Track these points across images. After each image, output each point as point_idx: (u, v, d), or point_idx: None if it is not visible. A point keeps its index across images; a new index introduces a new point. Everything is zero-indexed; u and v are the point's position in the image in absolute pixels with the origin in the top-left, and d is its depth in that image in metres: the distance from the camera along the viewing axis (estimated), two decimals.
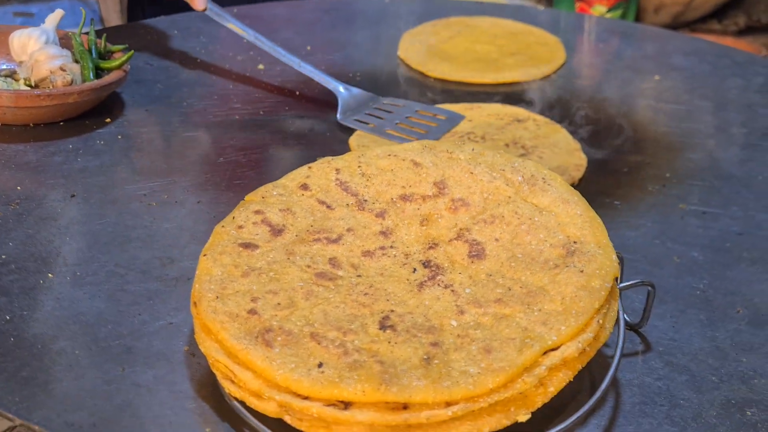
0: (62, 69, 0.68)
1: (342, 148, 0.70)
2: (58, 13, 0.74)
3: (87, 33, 0.74)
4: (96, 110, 0.71)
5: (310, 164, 0.50)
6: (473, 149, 0.50)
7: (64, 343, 0.41)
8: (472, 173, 0.48)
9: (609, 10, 1.11)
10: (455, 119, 0.73)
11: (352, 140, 0.72)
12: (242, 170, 0.64)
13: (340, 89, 0.76)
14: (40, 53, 0.70)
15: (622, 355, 0.39)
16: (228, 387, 0.37)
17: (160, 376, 0.40)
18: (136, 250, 0.52)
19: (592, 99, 0.83)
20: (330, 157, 0.51)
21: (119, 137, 0.68)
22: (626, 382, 0.41)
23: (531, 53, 0.94)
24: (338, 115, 0.74)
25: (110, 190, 0.59)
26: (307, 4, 1.10)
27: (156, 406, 0.37)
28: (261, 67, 0.87)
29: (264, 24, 1.01)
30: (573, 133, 0.74)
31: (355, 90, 0.76)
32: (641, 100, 0.84)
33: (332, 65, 0.89)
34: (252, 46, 0.92)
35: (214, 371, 0.37)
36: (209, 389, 0.39)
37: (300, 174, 0.49)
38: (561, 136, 0.74)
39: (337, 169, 0.49)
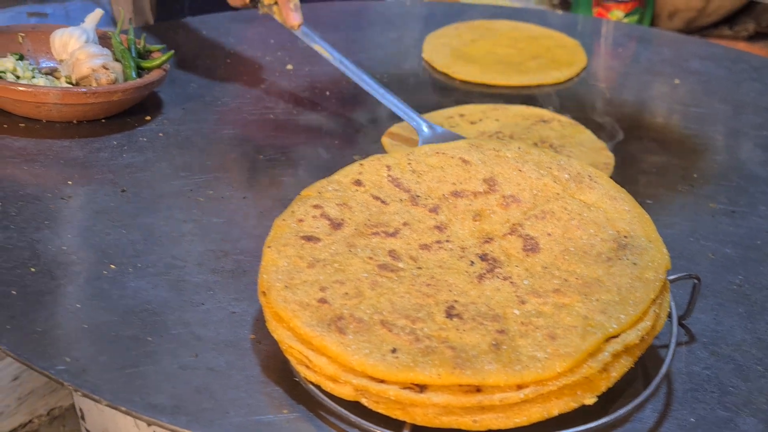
0: (105, 67, 0.70)
1: (375, 148, 0.71)
2: (98, 12, 0.75)
3: (126, 32, 0.76)
4: (136, 108, 0.72)
5: (361, 161, 0.52)
6: (519, 147, 0.52)
7: (135, 330, 0.43)
8: (520, 171, 0.49)
9: (626, 15, 1.13)
10: None
11: (385, 140, 0.73)
12: (282, 168, 0.66)
13: (423, 128, 0.70)
14: (80, 52, 0.71)
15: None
16: (303, 372, 0.38)
17: (231, 362, 0.41)
18: (189, 243, 0.53)
19: (613, 101, 0.86)
20: (379, 155, 0.52)
21: (160, 134, 0.69)
22: (676, 371, 0.43)
23: (552, 56, 0.96)
24: None
25: (157, 186, 0.61)
26: (330, 6, 1.12)
27: (232, 390, 0.39)
28: (290, 67, 0.88)
29: None
30: (597, 134, 0.76)
31: (439, 129, 0.70)
32: (662, 102, 0.86)
33: (358, 66, 0.90)
34: (280, 46, 0.94)
35: (288, 357, 0.39)
36: (280, 374, 0.40)
37: (352, 170, 0.51)
38: (586, 136, 0.76)
39: (387, 166, 0.51)
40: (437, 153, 0.52)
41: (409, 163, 0.51)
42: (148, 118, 0.72)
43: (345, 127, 0.75)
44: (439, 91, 0.87)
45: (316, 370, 0.38)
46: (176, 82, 0.80)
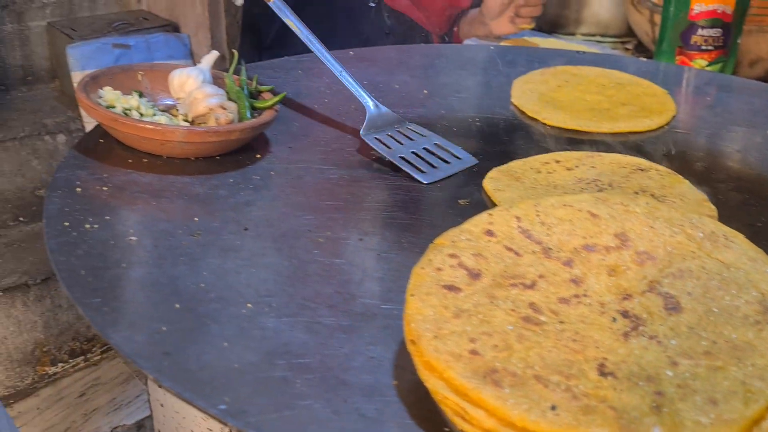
0: (222, 107, 0.73)
1: (475, 189, 0.72)
2: (213, 54, 0.79)
3: (238, 74, 0.79)
4: (245, 146, 0.75)
5: (490, 211, 0.53)
6: (647, 203, 0.52)
7: (283, 372, 0.44)
8: (652, 227, 0.50)
9: (709, 64, 1.13)
10: (467, 162, 0.77)
11: (487, 183, 0.74)
12: (392, 210, 0.68)
13: (370, 105, 0.80)
14: (198, 92, 0.75)
15: None
16: (460, 424, 0.39)
17: (381, 409, 0.42)
18: (316, 284, 0.55)
19: (708, 152, 0.85)
20: (506, 205, 0.53)
21: (272, 173, 0.71)
22: None
23: (641, 104, 0.97)
24: (362, 131, 0.77)
25: (277, 225, 0.63)
26: (416, 49, 1.15)
27: None
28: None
29: (378, 66, 1.05)
30: (693, 184, 0.75)
31: (384, 109, 0.80)
32: (757, 153, 0.86)
33: (450, 109, 0.92)
34: (374, 87, 0.97)
35: (443, 408, 0.40)
36: (431, 423, 0.41)
37: (482, 220, 0.52)
38: (686, 186, 0.76)
39: (517, 217, 0.52)
40: (564, 206, 0.53)
41: (537, 215, 0.52)
42: (258, 155, 0.74)
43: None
44: (529, 136, 0.88)
45: (474, 422, 0.38)
46: (280, 120, 0.83)
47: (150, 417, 1.64)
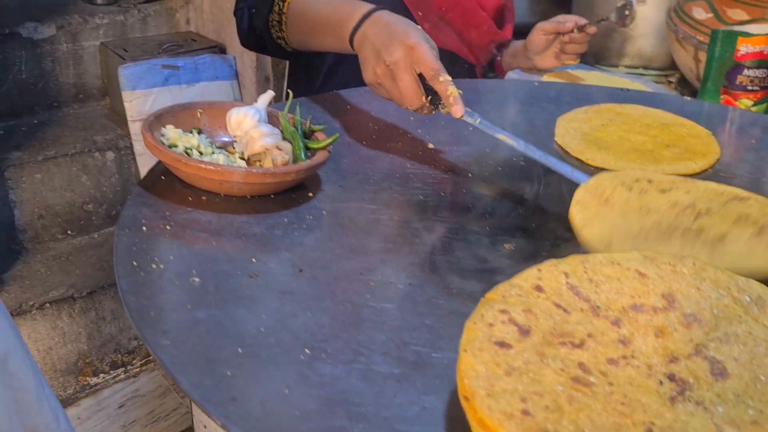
0: (278, 148, 0.76)
1: (527, 234, 0.74)
2: (269, 93, 0.82)
3: (293, 111, 0.82)
4: (298, 184, 0.78)
5: (538, 266, 0.55)
6: (694, 264, 0.53)
7: (342, 421, 0.47)
8: (699, 288, 0.51)
9: (755, 104, 1.13)
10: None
11: (574, 212, 0.69)
12: (440, 254, 0.70)
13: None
14: (254, 131, 0.78)
15: None
16: None
17: None
18: (370, 330, 0.57)
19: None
20: (554, 260, 0.55)
21: (324, 213, 0.74)
22: None
23: (685, 146, 0.97)
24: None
25: (330, 267, 0.65)
26: (461, 84, 1.17)
27: None
28: (431, 146, 0.93)
29: None
30: None
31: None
32: None
33: (495, 148, 0.94)
34: (420, 124, 0.99)
35: None
36: None
37: (531, 275, 0.54)
38: None
39: (565, 273, 0.54)
40: (612, 263, 0.54)
41: (585, 272, 0.54)
42: (310, 194, 0.77)
43: (494, 208, 0.78)
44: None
45: None
46: (330, 158, 0.86)
47: (187, 430, 1.67)
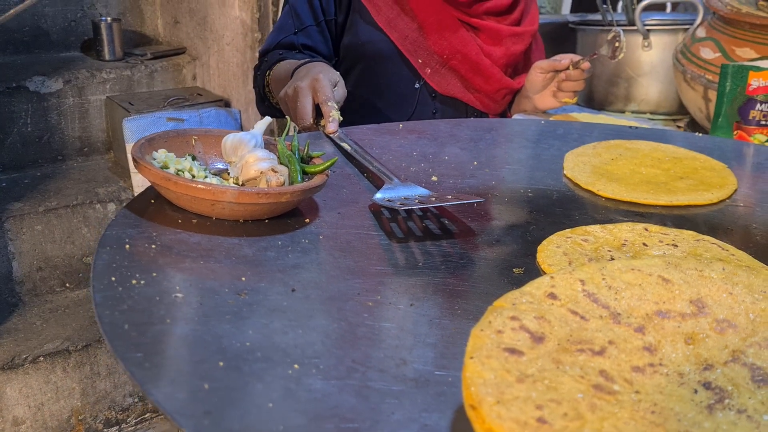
0: (273, 170, 0.72)
1: (530, 260, 0.69)
2: (267, 120, 0.79)
3: (290, 139, 0.79)
4: (295, 210, 0.74)
5: (552, 275, 0.50)
6: (724, 269, 0.49)
7: None
8: (731, 293, 0.46)
9: None
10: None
11: (540, 257, 0.70)
12: (443, 276, 0.65)
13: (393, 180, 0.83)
14: (250, 155, 0.75)
15: None
16: None
17: None
18: (366, 348, 0.52)
19: None
20: (570, 268, 0.50)
21: (321, 237, 0.70)
22: None
23: (700, 177, 0.94)
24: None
25: (325, 287, 0.60)
26: (466, 122, 1.15)
27: None
28: (435, 178, 0.89)
29: (427, 138, 1.05)
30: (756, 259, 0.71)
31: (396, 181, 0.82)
32: None
33: (501, 181, 0.91)
34: (423, 158, 0.96)
35: None
36: None
37: (544, 283, 0.49)
38: None
39: (581, 281, 0.49)
40: (632, 270, 0.49)
41: (603, 279, 0.49)
42: (307, 220, 0.73)
43: (499, 238, 0.74)
44: (584, 207, 0.85)
45: None
46: (329, 186, 0.82)
47: None
